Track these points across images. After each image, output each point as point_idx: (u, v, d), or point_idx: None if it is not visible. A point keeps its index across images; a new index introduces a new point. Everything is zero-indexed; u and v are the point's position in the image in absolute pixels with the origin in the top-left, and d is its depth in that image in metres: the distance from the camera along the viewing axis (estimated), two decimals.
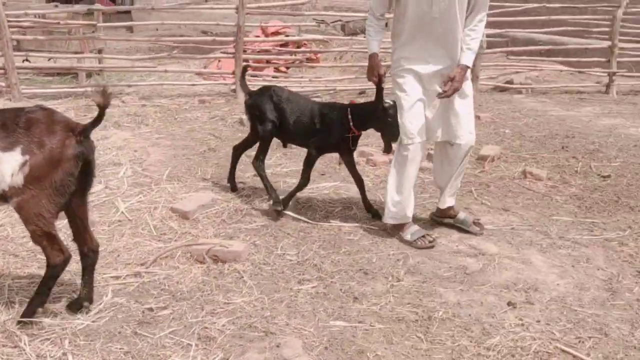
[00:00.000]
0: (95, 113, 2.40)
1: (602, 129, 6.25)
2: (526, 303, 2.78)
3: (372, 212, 3.76)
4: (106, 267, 3.03)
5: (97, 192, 3.96)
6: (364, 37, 12.42)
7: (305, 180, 3.70)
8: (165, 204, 3.73)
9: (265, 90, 3.82)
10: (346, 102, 7.54)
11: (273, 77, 8.38)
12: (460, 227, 3.56)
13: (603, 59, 8.77)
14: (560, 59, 9.57)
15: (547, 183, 4.50)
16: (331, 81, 8.22)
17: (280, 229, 3.54)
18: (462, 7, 3.20)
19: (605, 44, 8.73)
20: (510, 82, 8.85)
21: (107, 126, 5.59)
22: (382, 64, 3.49)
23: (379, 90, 3.38)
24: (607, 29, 8.70)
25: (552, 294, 2.87)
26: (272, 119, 3.70)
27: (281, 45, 8.79)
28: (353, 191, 4.16)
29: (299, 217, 3.70)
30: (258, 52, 8.54)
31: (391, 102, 3.35)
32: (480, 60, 8.28)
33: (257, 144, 3.90)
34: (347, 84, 8.39)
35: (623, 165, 4.96)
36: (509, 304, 2.76)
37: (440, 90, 3.26)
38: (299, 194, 4.06)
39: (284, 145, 4.13)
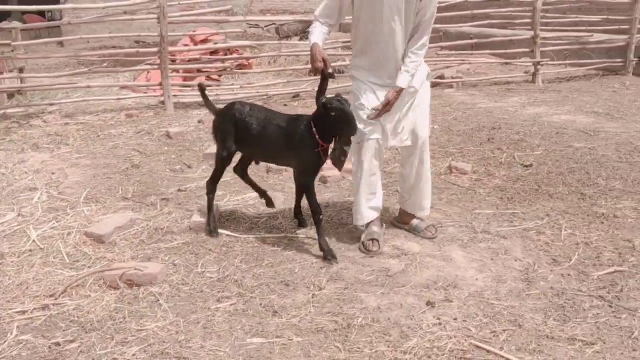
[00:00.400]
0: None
1: (527, 119, 6.43)
2: (445, 301, 2.79)
3: (299, 220, 3.71)
4: (13, 301, 2.87)
5: (8, 221, 3.77)
6: (299, 39, 12.34)
7: (316, 213, 3.25)
8: (80, 229, 3.58)
9: (228, 109, 3.45)
10: (278, 106, 7.52)
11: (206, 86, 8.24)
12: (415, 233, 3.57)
13: (528, 49, 9.04)
14: (488, 51, 9.82)
15: (472, 176, 4.57)
16: (264, 86, 8.15)
17: (202, 245, 3.45)
18: (407, 30, 3.24)
19: (529, 34, 9.01)
20: (442, 77, 9.01)
21: (24, 149, 5.35)
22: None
23: (323, 78, 3.19)
24: (529, 20, 8.98)
25: (471, 289, 2.89)
26: (229, 145, 3.40)
27: (211, 53, 8.64)
28: (279, 200, 4.11)
29: (222, 231, 3.61)
30: (187, 61, 8.37)
31: (333, 96, 3.15)
32: None
33: (250, 160, 3.70)
34: (281, 88, 8.34)
35: (545, 153, 5.10)
36: (427, 303, 2.76)
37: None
38: (223, 208, 3.98)
39: (256, 163, 3.74)
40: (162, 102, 7.26)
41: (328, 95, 3.21)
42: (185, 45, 9.04)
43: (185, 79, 8.47)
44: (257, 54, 9.03)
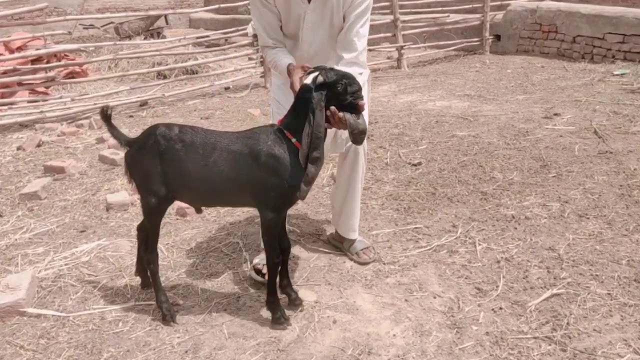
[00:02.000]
0: None
1: (402, 109, 5.96)
2: None
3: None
4: None
5: None
6: (144, 38, 10.94)
7: (273, 258, 2.33)
8: None
9: (147, 137, 2.34)
10: (126, 120, 6.36)
11: (30, 102, 6.79)
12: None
13: (390, 34, 8.70)
14: None
15: None
16: (103, 96, 6.91)
17: (10, 340, 2.39)
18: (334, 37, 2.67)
19: (388, 18, 8.66)
20: None
21: None
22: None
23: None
24: (387, 3, 8.62)
25: (390, 354, 2.18)
26: (157, 188, 2.31)
27: (33, 61, 7.18)
28: (124, 250, 3.13)
29: (39, 311, 2.57)
30: (3, 73, 6.85)
31: (314, 75, 2.22)
32: None
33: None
34: (124, 97, 7.15)
35: (430, 147, 4.61)
36: None
37: None
38: (44, 272, 2.92)
39: (198, 211, 2.56)
40: None
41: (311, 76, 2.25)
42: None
43: (2, 95, 6.94)
44: (92, 59, 7.70)
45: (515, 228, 3.11)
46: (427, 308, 2.45)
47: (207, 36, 9.86)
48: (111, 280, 2.85)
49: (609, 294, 2.44)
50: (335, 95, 2.20)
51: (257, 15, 2.61)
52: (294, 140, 2.23)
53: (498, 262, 2.77)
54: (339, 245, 3.03)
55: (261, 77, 7.77)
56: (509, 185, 3.71)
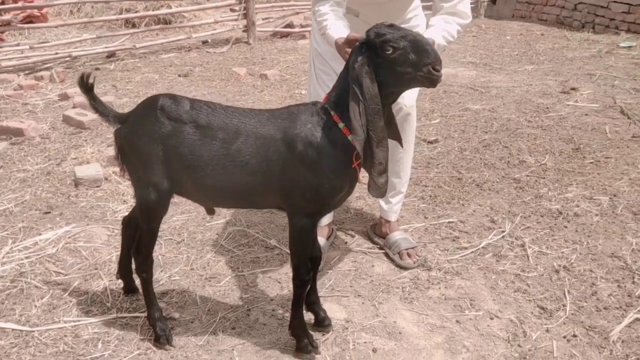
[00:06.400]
0: None
1: None
2: None
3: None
4: None
5: None
6: None
7: (302, 275, 1.81)
8: None
9: (146, 112, 1.76)
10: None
11: None
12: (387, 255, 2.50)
13: None
14: None
15: None
16: (64, 45, 6.13)
17: None
18: None
19: None
20: (290, 25, 7.69)
21: None
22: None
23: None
24: None
25: None
26: (158, 179, 1.74)
27: None
28: (100, 240, 2.57)
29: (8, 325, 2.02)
30: None
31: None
32: (254, 2, 6.93)
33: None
34: (90, 45, 6.37)
35: (444, 121, 4.13)
36: None
37: None
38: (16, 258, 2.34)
39: (210, 212, 1.99)
40: None
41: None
42: None
43: None
44: (52, 2, 6.83)
45: (565, 227, 2.69)
46: (485, 333, 2.01)
47: None
48: (85, 281, 2.30)
49: None
50: (387, 64, 1.60)
51: None
52: (341, 125, 1.69)
53: (557, 271, 2.34)
54: (379, 241, 2.57)
55: (244, 31, 7.08)
56: (544, 172, 3.28)
